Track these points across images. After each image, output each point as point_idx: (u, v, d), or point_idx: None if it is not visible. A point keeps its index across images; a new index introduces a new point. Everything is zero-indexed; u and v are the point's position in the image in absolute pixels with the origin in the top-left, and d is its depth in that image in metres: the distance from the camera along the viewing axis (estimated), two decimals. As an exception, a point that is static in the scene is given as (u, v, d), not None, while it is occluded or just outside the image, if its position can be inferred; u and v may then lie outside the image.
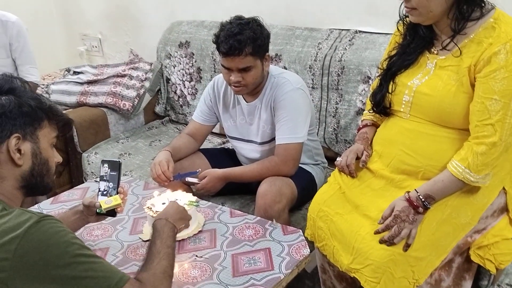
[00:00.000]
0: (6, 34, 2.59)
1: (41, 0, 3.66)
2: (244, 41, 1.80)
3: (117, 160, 1.54)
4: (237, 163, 2.17)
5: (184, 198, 1.70)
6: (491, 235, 1.52)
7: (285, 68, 2.47)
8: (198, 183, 1.95)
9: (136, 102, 2.83)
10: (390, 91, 1.59)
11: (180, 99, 2.97)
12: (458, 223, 1.47)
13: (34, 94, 1.20)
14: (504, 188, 1.53)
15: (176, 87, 2.97)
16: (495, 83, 1.37)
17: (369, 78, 2.25)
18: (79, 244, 1.06)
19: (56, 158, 1.23)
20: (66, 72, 3.06)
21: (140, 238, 1.64)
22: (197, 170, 1.95)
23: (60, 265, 1.01)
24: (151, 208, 1.66)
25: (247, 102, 2.03)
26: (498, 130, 1.38)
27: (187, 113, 2.95)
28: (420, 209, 1.43)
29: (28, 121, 1.13)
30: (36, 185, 1.15)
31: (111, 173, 1.52)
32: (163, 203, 1.68)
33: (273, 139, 1.99)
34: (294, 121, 1.91)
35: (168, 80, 3.01)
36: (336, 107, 2.38)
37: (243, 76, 1.87)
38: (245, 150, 2.11)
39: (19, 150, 1.11)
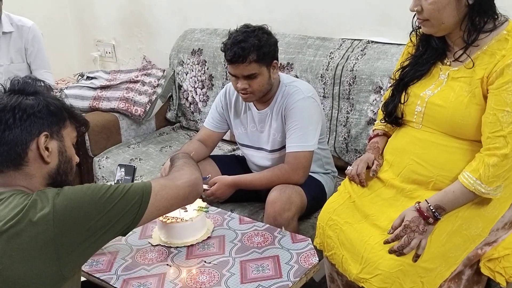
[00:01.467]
0: (22, 39, 2.63)
1: (56, 6, 3.72)
2: (248, 48, 1.83)
3: (132, 165, 1.57)
4: (247, 170, 2.17)
5: (194, 204, 1.71)
6: (501, 248, 1.51)
7: (296, 76, 2.47)
8: (208, 189, 1.95)
9: (148, 108, 2.86)
10: (402, 101, 1.59)
11: (192, 106, 2.99)
12: (468, 235, 1.46)
13: (55, 95, 1.24)
14: (515, 201, 1.52)
15: (188, 93, 2.99)
16: (508, 95, 1.37)
17: (381, 88, 2.25)
18: (99, 186, 1.16)
19: (75, 158, 1.27)
20: (80, 77, 3.09)
21: (149, 243, 1.64)
22: (207, 176, 1.96)
23: (98, 207, 1.12)
24: (161, 213, 1.66)
25: (258, 110, 2.04)
26: (510, 142, 1.37)
27: (198, 119, 2.97)
28: (431, 220, 1.42)
29: (54, 120, 1.19)
30: (61, 183, 1.18)
31: (125, 177, 1.55)
32: (173, 208, 1.69)
33: (284, 147, 1.99)
34: (304, 129, 1.92)
35: (180, 86, 3.03)
36: (347, 116, 2.38)
37: (249, 83, 1.89)
38: (256, 158, 2.11)
39: (47, 148, 1.16)
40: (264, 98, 1.99)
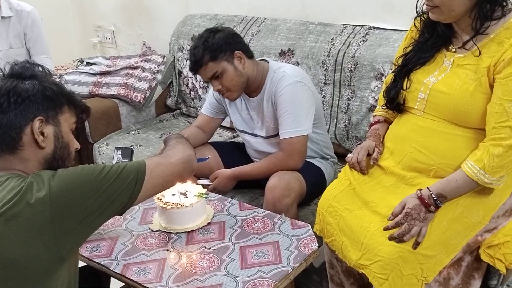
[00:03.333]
0: (21, 24, 2.61)
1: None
2: (198, 53, 1.87)
3: (129, 147, 1.57)
4: (247, 157, 2.17)
5: (193, 190, 1.71)
6: (502, 235, 1.50)
7: (297, 63, 2.46)
8: (210, 185, 1.95)
9: (148, 94, 2.84)
10: (404, 87, 1.57)
11: (192, 93, 2.98)
12: (469, 222, 1.46)
13: (54, 80, 1.24)
14: (516, 189, 1.51)
15: (188, 80, 2.98)
16: None
17: (382, 75, 2.23)
18: (94, 166, 1.17)
19: (75, 144, 1.26)
20: (79, 63, 3.07)
21: (150, 228, 1.65)
22: (207, 157, 1.94)
23: (94, 187, 1.13)
24: (161, 199, 1.67)
25: (250, 97, 2.03)
26: None
27: (198, 106, 2.96)
28: (432, 208, 1.41)
29: (50, 105, 1.18)
30: (58, 168, 1.17)
31: (123, 160, 1.54)
32: (173, 194, 1.69)
33: (278, 133, 1.99)
34: (295, 114, 1.90)
35: (180, 73, 3.01)
36: (348, 103, 2.37)
37: (220, 82, 1.90)
38: (253, 143, 2.11)
39: (42, 133, 1.16)
40: (252, 87, 1.98)
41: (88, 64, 3.01)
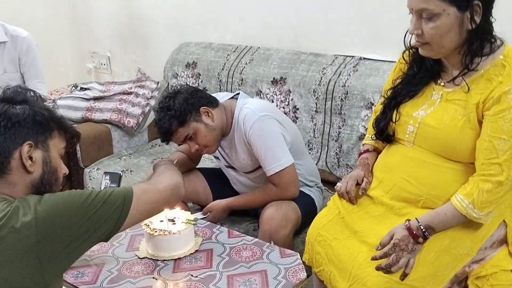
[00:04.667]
0: (16, 49, 2.63)
1: (53, 18, 3.72)
2: (165, 124, 1.84)
3: (118, 172, 1.57)
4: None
5: (182, 216, 1.70)
6: (489, 266, 1.50)
7: (289, 91, 2.49)
8: (205, 217, 1.94)
9: (140, 120, 2.86)
10: (394, 120, 1.58)
11: (185, 119, 2.99)
12: (457, 254, 1.45)
13: (45, 105, 1.25)
14: (504, 221, 1.51)
15: (181, 106, 3.00)
16: (504, 123, 1.36)
17: (372, 104, 2.26)
18: (80, 192, 1.17)
19: (63, 169, 1.26)
20: (74, 88, 3.09)
21: (137, 256, 1.63)
22: (206, 216, 1.94)
23: (80, 213, 1.13)
24: (148, 225, 1.66)
25: (223, 137, 1.99)
26: (505, 170, 1.37)
27: (191, 132, 2.97)
28: (420, 239, 1.41)
29: (40, 130, 1.19)
30: (44, 193, 1.17)
31: (111, 185, 1.55)
32: (161, 221, 1.68)
33: (258, 168, 1.97)
34: (272, 148, 1.87)
35: (173, 99, 3.03)
36: (338, 131, 2.39)
37: (195, 142, 1.89)
38: (236, 177, 2.09)
39: (30, 158, 1.16)
40: (223, 133, 1.95)
41: (82, 89, 3.03)
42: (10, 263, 1.05)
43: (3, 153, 1.14)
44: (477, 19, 1.36)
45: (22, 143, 1.15)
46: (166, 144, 1.99)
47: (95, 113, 2.86)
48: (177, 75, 2.99)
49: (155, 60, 3.36)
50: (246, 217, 2.08)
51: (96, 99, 2.92)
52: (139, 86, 2.97)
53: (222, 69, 2.79)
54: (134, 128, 2.85)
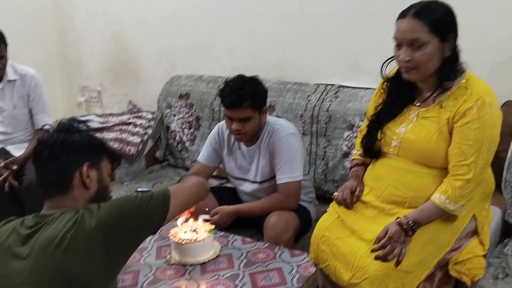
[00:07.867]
0: (25, 86, 2.81)
1: (44, 54, 3.84)
2: (244, 96, 2.13)
3: (150, 189, 1.80)
4: (238, 198, 2.43)
5: (203, 227, 1.95)
6: (465, 253, 1.82)
7: (278, 116, 2.79)
8: (211, 219, 2.18)
9: (140, 148, 3.09)
10: (379, 139, 1.90)
11: (179, 145, 3.24)
12: (439, 243, 1.77)
13: (93, 133, 1.50)
14: (474, 215, 1.84)
15: (176, 134, 3.24)
16: (470, 132, 1.69)
17: (353, 125, 2.59)
18: (129, 196, 1.42)
19: (110, 186, 1.51)
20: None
21: (167, 262, 1.86)
22: (206, 209, 2.20)
23: (133, 211, 1.37)
24: (175, 236, 1.89)
25: (247, 147, 2.32)
26: (472, 169, 1.69)
27: (186, 157, 3.21)
28: (410, 232, 1.71)
29: (95, 153, 1.44)
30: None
31: None
32: (185, 232, 1.92)
33: (271, 178, 2.27)
34: (291, 162, 2.20)
35: (168, 127, 3.28)
36: (324, 151, 2.70)
37: (242, 125, 2.17)
38: (246, 188, 2.37)
39: (88, 176, 1.39)
40: (253, 137, 2.28)
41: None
42: (85, 259, 1.27)
43: (68, 173, 1.39)
44: (451, 48, 1.70)
45: (82, 164, 1.40)
46: (228, 108, 2.16)
47: (96, 143, 3.06)
48: (171, 105, 3.24)
49: (146, 92, 3.58)
50: (249, 229, 2.33)
51: (96, 130, 3.14)
52: (136, 117, 3.22)
53: (214, 99, 3.04)
54: (134, 156, 3.07)
